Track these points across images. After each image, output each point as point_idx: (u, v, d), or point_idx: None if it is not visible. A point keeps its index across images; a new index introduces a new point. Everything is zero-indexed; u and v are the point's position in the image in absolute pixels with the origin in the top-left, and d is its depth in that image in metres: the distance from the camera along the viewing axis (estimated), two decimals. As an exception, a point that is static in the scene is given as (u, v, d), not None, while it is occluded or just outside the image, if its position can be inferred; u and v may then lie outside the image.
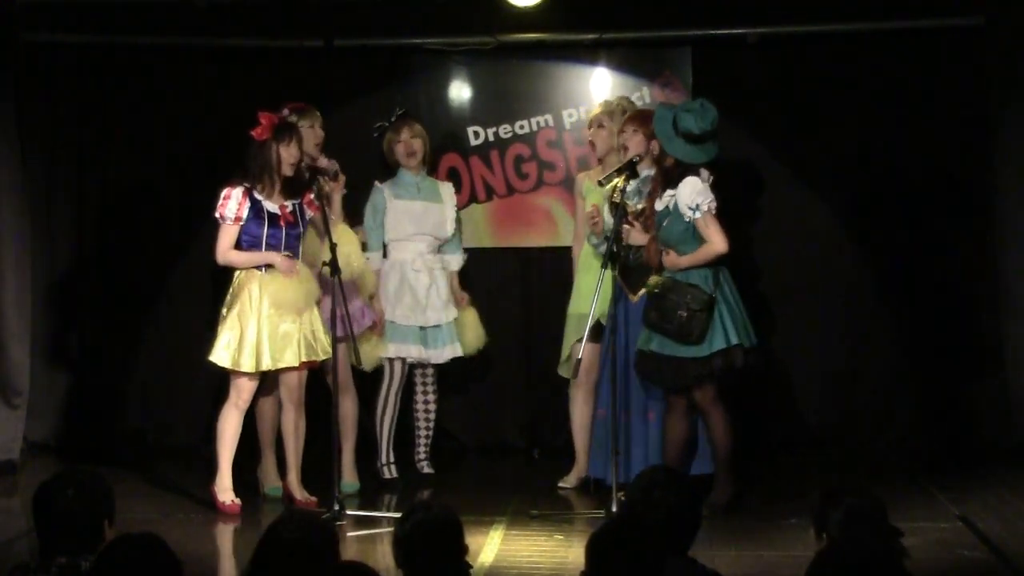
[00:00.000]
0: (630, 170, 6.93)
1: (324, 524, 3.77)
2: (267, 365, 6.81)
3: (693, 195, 6.74)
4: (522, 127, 8.38)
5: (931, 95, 8.12)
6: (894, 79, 8.16)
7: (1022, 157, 7.63)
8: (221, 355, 6.85)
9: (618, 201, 6.84)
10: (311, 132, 7.23)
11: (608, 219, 7.10)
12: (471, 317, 7.85)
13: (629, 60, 8.33)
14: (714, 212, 6.74)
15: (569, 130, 8.30)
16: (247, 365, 6.80)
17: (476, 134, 8.39)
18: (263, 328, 6.80)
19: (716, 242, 6.74)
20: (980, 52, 7.88)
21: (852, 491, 3.93)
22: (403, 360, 7.65)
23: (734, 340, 6.71)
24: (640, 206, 7.01)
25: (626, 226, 6.96)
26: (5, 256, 7.82)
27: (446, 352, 7.71)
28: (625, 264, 7.03)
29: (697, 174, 6.79)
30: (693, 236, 6.76)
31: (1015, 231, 7.68)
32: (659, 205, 6.88)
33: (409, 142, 7.67)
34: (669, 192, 6.83)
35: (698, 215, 6.72)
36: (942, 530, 6.42)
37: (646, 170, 7.06)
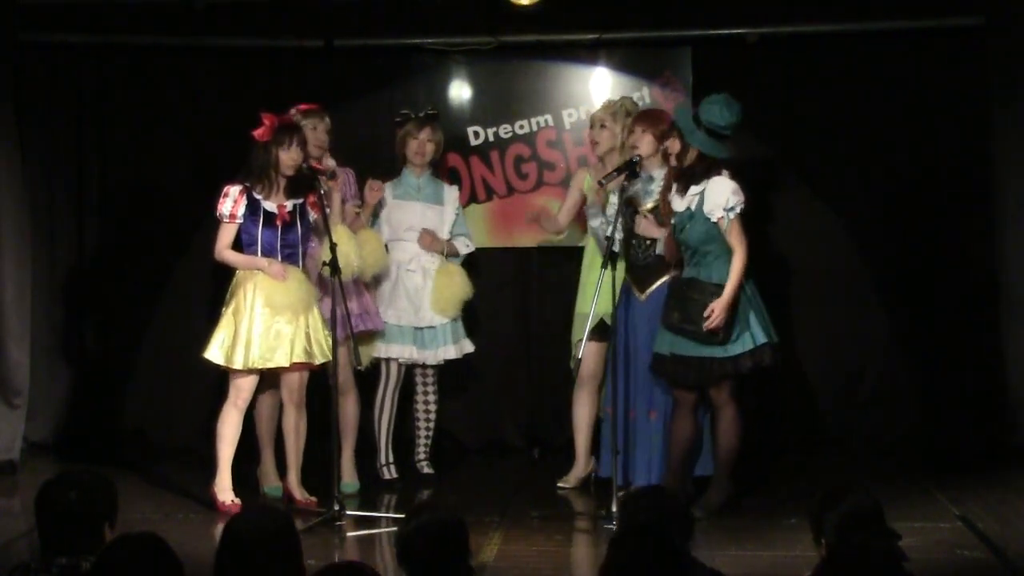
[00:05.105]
0: (629, 169, 6.92)
1: (277, 512, 3.77)
2: (255, 362, 6.81)
3: (727, 195, 6.55)
4: (522, 127, 8.38)
5: (931, 95, 8.12)
6: (894, 79, 8.15)
7: (1022, 157, 7.63)
8: (215, 352, 6.86)
9: (626, 202, 6.81)
10: (312, 134, 7.21)
11: (613, 200, 7.03)
12: (453, 271, 7.68)
13: (629, 60, 8.33)
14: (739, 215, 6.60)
15: (569, 130, 8.30)
16: (238, 362, 6.80)
17: (476, 134, 8.39)
18: (254, 325, 6.80)
19: (740, 250, 6.56)
20: (980, 52, 7.89)
21: (848, 494, 3.92)
22: (399, 360, 7.66)
23: (761, 339, 6.61)
24: (650, 205, 6.94)
25: (638, 216, 6.90)
26: (5, 256, 7.82)
27: (440, 353, 7.68)
28: (634, 262, 7.02)
29: (720, 173, 6.64)
30: (716, 237, 6.59)
31: (1015, 231, 7.68)
32: (679, 206, 6.68)
33: (424, 143, 7.65)
34: (693, 191, 6.63)
35: (732, 215, 6.55)
36: (942, 530, 6.42)
37: (655, 168, 7.01)
